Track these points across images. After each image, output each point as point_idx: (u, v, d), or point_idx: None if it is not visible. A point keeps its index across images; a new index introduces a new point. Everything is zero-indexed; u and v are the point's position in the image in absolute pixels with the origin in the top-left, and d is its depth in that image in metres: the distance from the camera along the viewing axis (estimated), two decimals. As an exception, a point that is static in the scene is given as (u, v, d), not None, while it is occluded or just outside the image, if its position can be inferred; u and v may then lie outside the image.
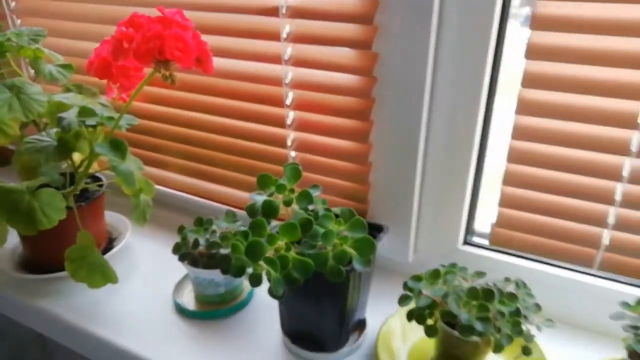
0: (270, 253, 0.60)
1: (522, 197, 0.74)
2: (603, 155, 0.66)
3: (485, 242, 0.84)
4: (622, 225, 0.68)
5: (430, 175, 0.80)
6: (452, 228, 0.83)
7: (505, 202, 0.75)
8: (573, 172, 0.68)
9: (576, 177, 0.69)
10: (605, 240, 0.70)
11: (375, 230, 0.75)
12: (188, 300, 0.84)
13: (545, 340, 0.68)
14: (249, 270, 0.59)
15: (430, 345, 0.70)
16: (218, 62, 0.86)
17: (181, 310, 0.82)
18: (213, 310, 0.81)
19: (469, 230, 0.85)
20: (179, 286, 0.87)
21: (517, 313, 0.58)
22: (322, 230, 0.62)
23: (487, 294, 0.58)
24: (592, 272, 0.74)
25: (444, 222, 0.83)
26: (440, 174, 0.79)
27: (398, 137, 0.77)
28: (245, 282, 0.86)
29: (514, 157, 0.72)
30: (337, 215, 0.66)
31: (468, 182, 0.78)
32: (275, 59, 0.81)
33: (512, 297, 0.60)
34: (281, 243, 0.59)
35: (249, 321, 0.81)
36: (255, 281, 0.59)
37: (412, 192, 0.80)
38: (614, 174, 0.66)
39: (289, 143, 0.87)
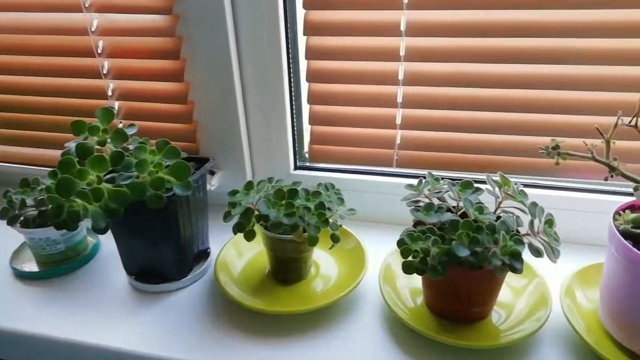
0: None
1: (326, 113, 0.83)
2: (383, 64, 0.76)
3: (316, 164, 0.92)
4: (406, 124, 0.79)
5: (252, 110, 0.86)
6: (282, 157, 0.90)
7: (313, 119, 0.83)
8: (363, 83, 0.78)
9: (366, 87, 0.79)
10: (398, 140, 0.81)
11: (203, 162, 0.80)
12: (30, 265, 0.83)
13: (363, 236, 0.79)
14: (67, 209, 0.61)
15: (264, 258, 0.77)
16: (15, 16, 0.83)
17: (20, 275, 0.81)
18: (52, 268, 0.81)
19: (300, 156, 0.92)
20: (17, 254, 0.85)
21: (321, 206, 0.67)
22: (135, 160, 0.65)
23: (292, 193, 0.65)
24: (393, 171, 0.85)
25: (274, 152, 0.89)
26: (260, 107, 0.85)
27: (212, 73, 0.81)
28: (89, 237, 0.86)
29: (311, 76, 0.80)
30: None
31: (286, 112, 0.85)
32: (76, 7, 0.80)
33: (317, 194, 0.68)
34: (93, 177, 0.62)
35: (95, 273, 0.81)
36: (73, 219, 0.61)
37: (238, 127, 0.85)
38: (393, 79, 0.76)
39: (109, 93, 0.87)
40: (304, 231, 0.66)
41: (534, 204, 0.63)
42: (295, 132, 0.89)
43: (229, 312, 0.71)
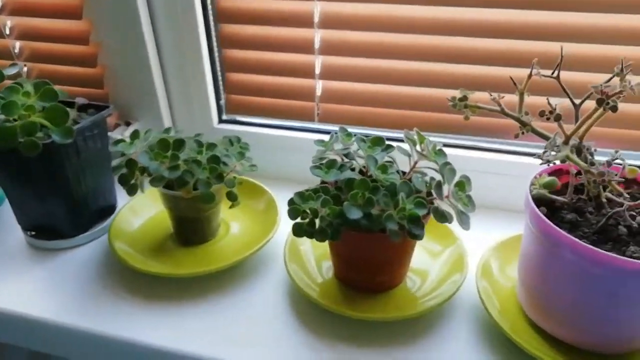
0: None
1: (242, 59, 0.75)
2: (299, 3, 0.68)
3: (241, 118, 0.85)
4: (325, 73, 0.72)
5: (166, 52, 0.78)
6: (203, 108, 0.82)
7: (228, 67, 0.76)
8: (279, 25, 0.70)
9: (282, 29, 0.71)
10: (318, 91, 0.73)
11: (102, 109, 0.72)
12: None
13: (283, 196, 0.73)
14: None
15: (165, 216, 0.71)
16: None
17: None
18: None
19: (223, 110, 0.85)
20: None
21: (214, 160, 0.60)
22: (2, 102, 0.57)
23: (177, 144, 0.58)
24: (322, 127, 0.78)
25: (193, 103, 0.82)
26: (175, 49, 0.77)
27: (116, 10, 0.72)
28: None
29: (223, 16, 0.72)
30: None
31: (202, 56, 0.77)
32: None
33: (212, 146, 0.61)
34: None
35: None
36: None
37: (150, 72, 0.77)
38: (309, 22, 0.68)
39: (7, 32, 0.79)
40: (195, 188, 0.59)
41: (446, 164, 0.56)
42: (219, 82, 0.81)
43: (126, 275, 0.65)
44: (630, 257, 0.45)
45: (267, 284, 0.64)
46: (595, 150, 0.53)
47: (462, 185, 0.55)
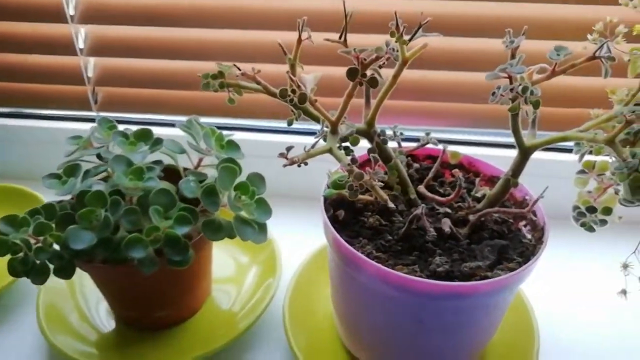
0: None
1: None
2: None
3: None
4: (92, 48, 0.56)
5: None
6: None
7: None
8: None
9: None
10: (87, 70, 0.57)
11: None
12: None
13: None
14: None
15: None
16: None
17: None
18: None
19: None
20: None
21: None
22: None
23: None
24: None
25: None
26: None
27: None
28: None
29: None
30: None
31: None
32: None
33: None
34: None
35: None
36: None
37: None
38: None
39: None
40: None
41: (227, 161, 0.43)
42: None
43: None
44: (434, 271, 0.35)
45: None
46: (401, 133, 0.42)
47: (245, 187, 0.42)
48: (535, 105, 0.31)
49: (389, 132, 0.42)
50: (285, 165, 0.30)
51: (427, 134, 0.41)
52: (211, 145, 0.45)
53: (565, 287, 0.53)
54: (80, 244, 0.37)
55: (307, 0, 0.51)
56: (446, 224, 0.37)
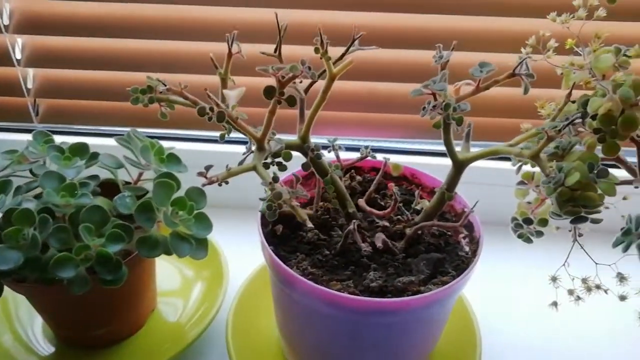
0: None
1: None
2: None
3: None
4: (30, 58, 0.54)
5: None
6: None
7: None
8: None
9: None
10: (26, 81, 0.56)
11: None
12: None
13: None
14: None
15: None
16: None
17: None
18: None
19: None
20: None
21: None
22: None
23: None
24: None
25: None
26: None
27: None
28: None
29: None
30: None
31: None
32: None
33: None
34: None
35: None
36: None
37: None
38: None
39: None
40: None
41: (164, 176, 0.42)
42: None
43: None
44: (368, 286, 0.35)
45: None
46: (339, 147, 0.42)
47: (182, 202, 0.41)
48: (458, 121, 0.31)
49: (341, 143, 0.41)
50: (204, 185, 0.30)
51: (366, 147, 0.41)
52: (150, 160, 0.45)
53: (504, 292, 0.54)
54: (5, 264, 0.35)
55: (248, 12, 0.50)
56: (379, 239, 0.37)
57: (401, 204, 0.42)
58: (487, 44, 0.48)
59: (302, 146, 0.36)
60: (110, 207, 0.41)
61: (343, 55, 0.35)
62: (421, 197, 0.42)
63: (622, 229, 0.31)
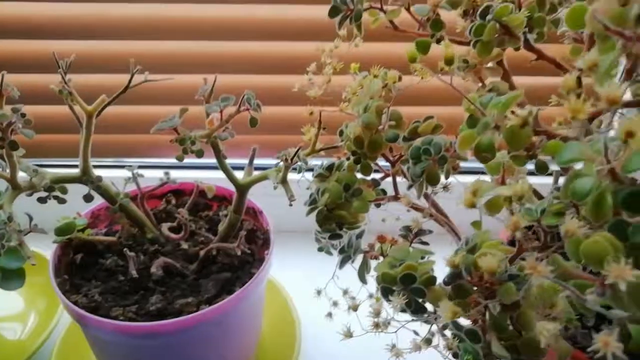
0: None
1: None
2: None
3: None
4: None
5: None
6: None
7: None
8: None
9: None
10: None
11: None
12: None
13: None
14: None
15: None
16: None
17: None
18: None
19: None
20: None
21: None
22: None
23: None
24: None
25: None
26: None
27: None
28: None
29: None
30: None
31: None
32: None
33: None
34: None
35: None
36: None
37: None
38: None
39: None
40: None
41: None
42: None
43: None
44: (148, 310, 0.37)
45: None
46: (139, 175, 0.43)
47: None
48: (198, 154, 0.33)
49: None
50: None
51: (166, 174, 0.43)
52: None
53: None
54: None
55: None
56: (157, 265, 0.39)
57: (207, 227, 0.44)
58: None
59: (82, 178, 0.37)
60: None
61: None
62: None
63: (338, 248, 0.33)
